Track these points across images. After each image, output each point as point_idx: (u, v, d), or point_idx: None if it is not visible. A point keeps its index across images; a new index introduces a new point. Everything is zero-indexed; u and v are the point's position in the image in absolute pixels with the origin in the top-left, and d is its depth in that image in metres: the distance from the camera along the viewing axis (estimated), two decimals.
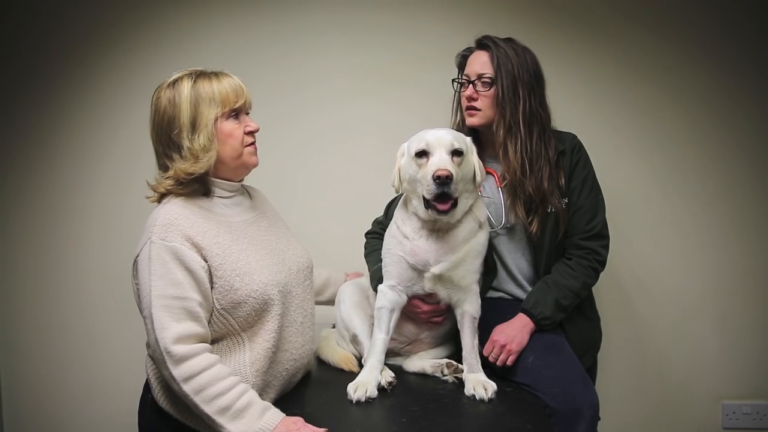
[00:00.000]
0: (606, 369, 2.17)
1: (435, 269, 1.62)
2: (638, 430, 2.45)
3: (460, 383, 1.62)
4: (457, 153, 1.56)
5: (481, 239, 1.67)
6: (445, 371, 1.68)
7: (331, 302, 1.95)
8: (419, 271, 1.64)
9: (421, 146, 1.56)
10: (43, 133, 2.45)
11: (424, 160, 1.56)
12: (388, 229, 1.75)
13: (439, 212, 1.54)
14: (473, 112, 1.83)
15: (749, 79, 2.35)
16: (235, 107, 1.50)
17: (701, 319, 2.42)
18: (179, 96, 1.45)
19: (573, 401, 1.57)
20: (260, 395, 1.43)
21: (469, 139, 1.65)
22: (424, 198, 1.56)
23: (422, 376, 1.72)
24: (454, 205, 1.55)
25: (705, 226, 2.40)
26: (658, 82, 2.36)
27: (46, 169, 2.47)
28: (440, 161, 1.52)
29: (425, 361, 1.74)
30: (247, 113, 1.57)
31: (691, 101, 2.36)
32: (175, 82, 1.48)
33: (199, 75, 1.49)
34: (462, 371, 1.65)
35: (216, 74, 1.51)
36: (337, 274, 2.02)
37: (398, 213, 1.72)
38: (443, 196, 1.51)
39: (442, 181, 1.50)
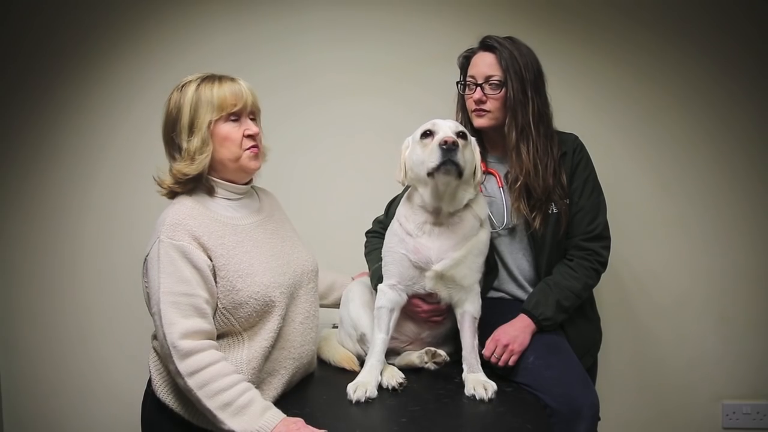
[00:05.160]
0: (606, 369, 2.17)
1: (437, 266, 1.62)
2: (638, 430, 2.45)
3: (460, 383, 1.62)
4: (462, 135, 1.60)
5: (482, 237, 1.68)
6: (425, 359, 1.68)
7: (335, 305, 1.96)
8: (421, 269, 1.64)
9: (427, 127, 1.61)
10: (42, 133, 2.45)
11: (429, 139, 1.59)
12: (389, 227, 1.75)
13: (445, 165, 1.52)
14: (482, 113, 1.82)
15: (750, 79, 2.35)
16: (233, 111, 1.53)
17: (701, 319, 2.42)
18: (183, 99, 1.51)
19: (573, 401, 1.57)
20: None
21: (472, 139, 1.68)
22: (430, 174, 1.56)
23: (421, 375, 1.71)
24: (459, 175, 1.55)
25: (705, 226, 2.40)
26: (659, 82, 2.36)
27: (46, 170, 2.46)
28: (446, 133, 1.56)
29: (412, 354, 1.74)
30: (253, 117, 1.60)
31: (692, 101, 2.36)
32: (184, 85, 1.54)
33: (205, 79, 1.54)
34: (441, 356, 1.66)
35: (221, 78, 1.55)
36: (342, 278, 2.03)
37: (402, 210, 1.72)
38: (448, 164, 1.52)
39: (449, 146, 1.51)
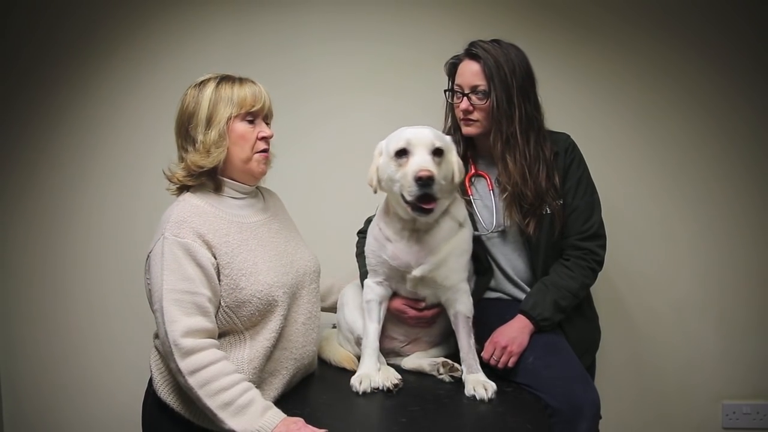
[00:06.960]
0: (605, 369, 2.17)
1: (416, 272, 1.62)
2: (638, 431, 2.45)
3: (460, 383, 1.62)
4: (437, 152, 1.53)
5: (464, 237, 1.66)
6: (441, 370, 1.68)
7: (333, 309, 1.97)
8: (402, 272, 1.65)
9: (401, 145, 1.52)
10: (45, 133, 2.45)
11: (404, 159, 1.52)
12: (370, 231, 1.74)
13: (423, 211, 1.50)
14: (470, 122, 1.81)
15: (744, 78, 2.35)
16: (251, 111, 1.56)
17: (701, 319, 2.42)
18: (202, 95, 1.55)
19: (574, 400, 1.58)
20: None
21: (449, 138, 1.63)
22: (403, 198, 1.53)
23: (422, 375, 1.72)
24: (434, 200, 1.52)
25: (704, 225, 2.40)
26: (652, 83, 2.36)
27: (48, 169, 2.47)
28: (422, 161, 1.48)
29: (423, 360, 1.74)
30: (267, 121, 1.63)
31: (686, 101, 2.36)
32: (202, 82, 1.58)
33: (223, 78, 1.58)
34: (458, 370, 1.65)
35: (241, 80, 1.59)
36: (340, 283, 2.03)
37: (380, 215, 1.70)
38: (425, 197, 1.48)
39: (424, 182, 1.45)
